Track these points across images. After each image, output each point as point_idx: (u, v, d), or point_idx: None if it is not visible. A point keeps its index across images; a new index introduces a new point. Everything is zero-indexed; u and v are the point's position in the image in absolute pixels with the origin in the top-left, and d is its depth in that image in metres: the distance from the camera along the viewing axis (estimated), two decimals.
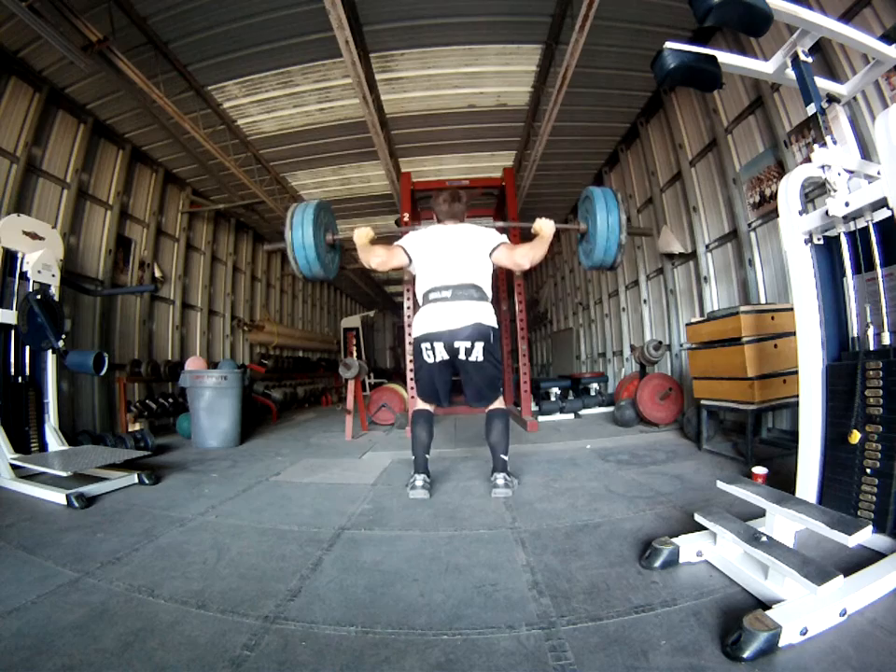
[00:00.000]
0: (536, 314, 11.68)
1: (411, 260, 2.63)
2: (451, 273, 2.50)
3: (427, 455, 2.60)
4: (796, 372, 1.78)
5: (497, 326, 2.56)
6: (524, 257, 2.53)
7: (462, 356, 2.46)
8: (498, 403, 2.64)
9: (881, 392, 1.50)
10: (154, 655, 1.15)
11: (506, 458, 2.54)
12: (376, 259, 2.58)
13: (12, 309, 3.15)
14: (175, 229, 6.69)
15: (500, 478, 2.47)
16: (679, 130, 4.95)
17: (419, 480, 2.48)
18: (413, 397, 4.91)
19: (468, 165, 6.65)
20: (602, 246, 2.62)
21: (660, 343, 4.61)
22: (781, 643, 1.07)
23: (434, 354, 2.47)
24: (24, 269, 3.25)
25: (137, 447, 3.69)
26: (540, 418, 5.16)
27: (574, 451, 3.51)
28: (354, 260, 10.86)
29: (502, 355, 2.62)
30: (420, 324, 2.53)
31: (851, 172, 1.65)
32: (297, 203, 2.83)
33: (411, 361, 4.95)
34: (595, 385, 6.13)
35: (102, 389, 5.00)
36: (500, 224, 2.53)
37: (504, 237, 2.63)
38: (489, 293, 2.56)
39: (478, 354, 2.45)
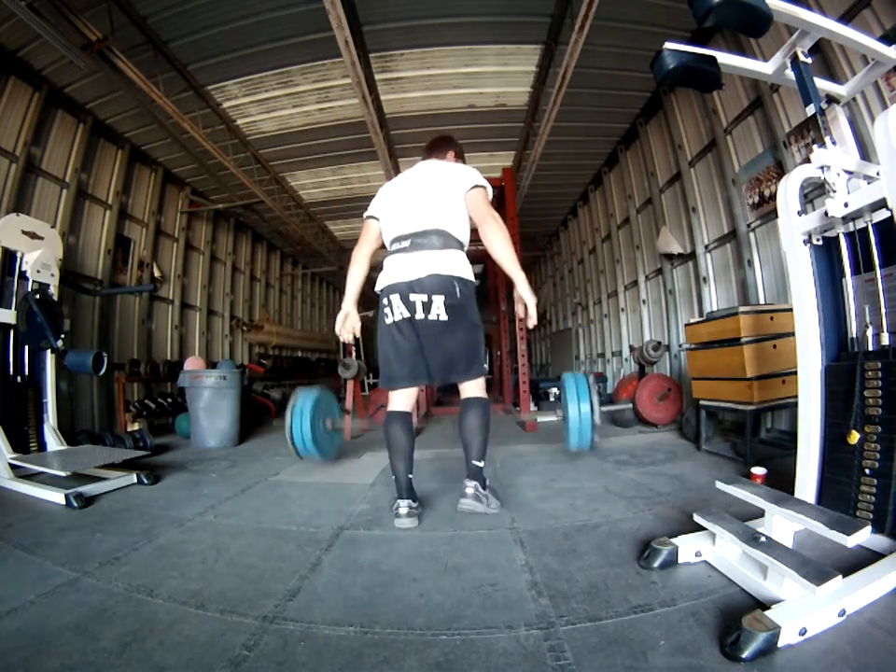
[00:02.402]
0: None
1: (378, 220, 2.26)
2: (411, 218, 2.10)
3: (411, 475, 2.11)
4: (795, 373, 1.78)
5: (467, 277, 2.07)
6: (492, 230, 2.01)
7: (420, 313, 2.01)
8: (475, 388, 2.12)
9: (880, 393, 1.50)
10: (153, 655, 1.15)
11: (479, 465, 2.07)
12: (360, 255, 2.28)
13: (11, 309, 3.15)
14: (175, 228, 6.69)
15: (469, 486, 2.06)
16: (679, 130, 4.96)
17: (403, 507, 2.02)
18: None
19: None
20: (576, 431, 2.67)
21: (659, 343, 4.61)
22: (780, 643, 1.07)
23: (392, 310, 2.06)
24: (23, 268, 3.24)
25: (136, 447, 3.68)
26: (539, 418, 5.16)
27: (573, 451, 3.50)
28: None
29: (477, 317, 2.14)
30: (382, 277, 2.15)
31: (850, 172, 1.65)
32: (299, 389, 3.00)
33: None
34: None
35: (101, 389, 5.00)
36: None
37: (485, 182, 2.13)
38: (461, 238, 2.11)
39: (438, 310, 1.99)
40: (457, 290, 2.01)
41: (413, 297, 2.02)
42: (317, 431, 2.92)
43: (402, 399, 2.18)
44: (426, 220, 2.07)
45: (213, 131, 5.17)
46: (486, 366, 2.25)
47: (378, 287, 2.17)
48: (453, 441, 4.18)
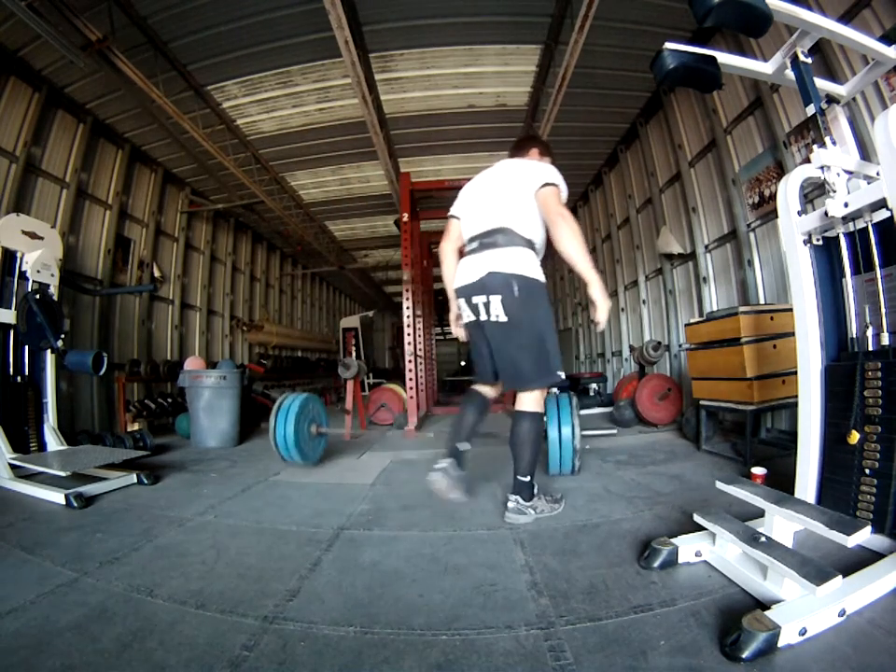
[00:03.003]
0: None
1: (459, 219, 2.25)
2: (480, 220, 2.09)
3: (462, 446, 2.09)
4: (795, 373, 1.78)
5: (530, 275, 1.95)
6: (560, 230, 1.89)
7: (483, 315, 2.00)
8: (528, 400, 2.02)
9: (880, 393, 1.50)
10: (153, 655, 1.15)
11: (524, 479, 2.02)
12: (446, 252, 2.26)
13: (11, 309, 3.15)
14: (175, 228, 6.69)
15: (511, 500, 2.04)
16: (679, 130, 4.96)
17: (442, 462, 2.00)
18: (411, 397, 4.96)
19: (467, 165, 6.64)
20: (556, 456, 2.58)
21: (659, 343, 4.62)
22: (780, 643, 1.07)
23: (464, 313, 2.11)
24: (23, 268, 3.24)
25: (136, 447, 3.68)
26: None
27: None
28: (353, 260, 10.88)
29: (544, 318, 2.00)
30: (455, 279, 2.16)
31: (850, 172, 1.65)
32: (287, 392, 3.12)
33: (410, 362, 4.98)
34: (593, 386, 6.14)
35: (101, 389, 5.00)
36: None
37: (557, 180, 2.01)
38: (529, 236, 2.01)
39: (497, 311, 1.94)
40: (515, 288, 1.92)
41: (475, 299, 2.01)
42: (301, 436, 2.97)
43: (485, 385, 2.22)
44: (492, 220, 2.04)
45: (213, 131, 5.17)
46: (561, 373, 2.00)
47: (452, 289, 2.18)
48: None
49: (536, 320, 1.97)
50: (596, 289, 1.90)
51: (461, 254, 2.19)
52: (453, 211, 2.28)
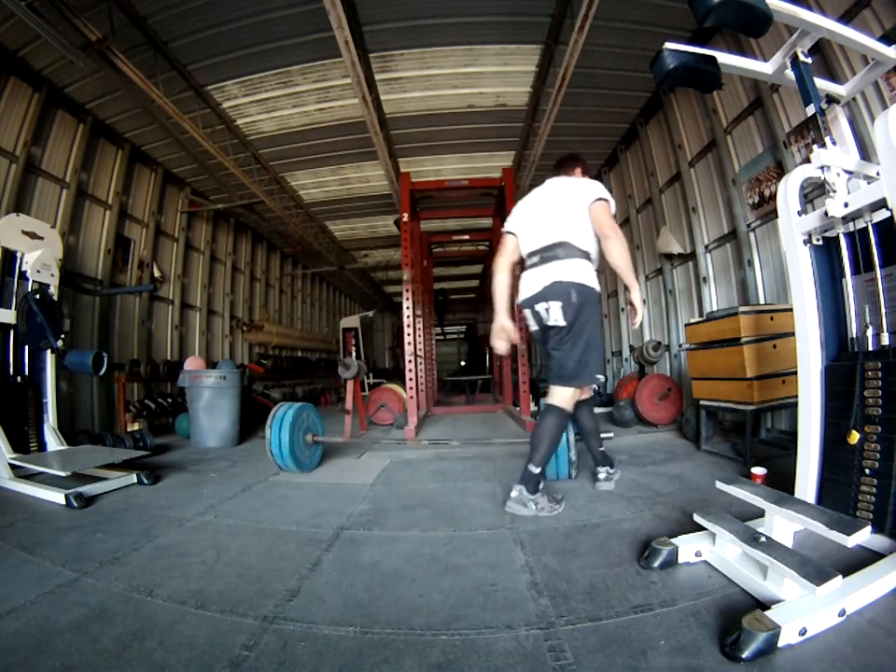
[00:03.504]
0: None
1: (516, 235, 2.41)
2: (539, 235, 2.26)
3: (601, 448, 2.54)
4: (795, 373, 1.78)
5: (587, 283, 2.13)
6: (612, 244, 2.11)
7: (545, 321, 2.18)
8: (557, 395, 2.17)
9: (880, 393, 1.50)
10: (153, 655, 1.15)
11: (534, 470, 2.11)
12: (501, 266, 2.40)
13: (11, 309, 3.15)
14: (175, 228, 6.69)
15: (514, 490, 2.14)
16: (679, 130, 4.96)
17: (602, 472, 2.48)
18: (411, 397, 4.96)
19: (467, 165, 6.65)
20: (553, 462, 2.57)
21: (659, 343, 4.62)
22: (780, 643, 1.07)
23: (530, 322, 2.30)
24: (23, 268, 3.25)
25: (136, 447, 3.68)
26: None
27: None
28: (353, 260, 10.88)
29: (595, 322, 2.19)
30: (519, 291, 2.34)
31: (850, 172, 1.65)
32: (283, 402, 3.14)
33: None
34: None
35: (101, 389, 4.99)
36: None
37: (607, 195, 2.21)
38: (585, 248, 2.19)
39: (556, 316, 2.11)
40: (573, 295, 2.10)
41: (537, 307, 2.20)
42: (296, 445, 2.99)
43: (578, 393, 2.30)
44: (551, 235, 2.22)
45: (213, 131, 5.17)
46: (600, 376, 2.19)
47: (517, 302, 2.36)
48: (452, 440, 4.17)
49: (587, 325, 2.14)
50: (637, 296, 2.15)
51: (520, 268, 2.38)
52: (509, 227, 2.44)
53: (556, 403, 2.16)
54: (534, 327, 2.29)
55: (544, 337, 2.26)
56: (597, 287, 2.18)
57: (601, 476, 2.46)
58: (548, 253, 2.20)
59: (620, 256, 2.10)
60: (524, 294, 2.29)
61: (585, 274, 2.15)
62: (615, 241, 2.11)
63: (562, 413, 2.16)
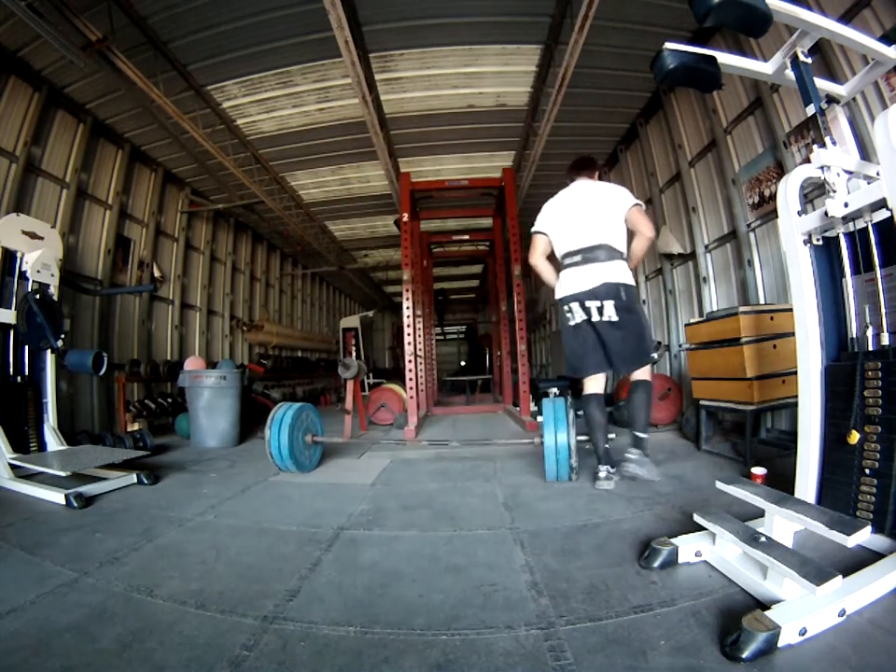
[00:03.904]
0: (535, 314, 11.68)
1: (548, 235, 2.72)
2: (581, 235, 2.56)
3: (607, 445, 2.57)
4: (795, 373, 1.78)
5: (630, 283, 2.51)
6: (643, 241, 2.54)
7: (595, 316, 2.50)
8: (643, 373, 2.59)
9: (880, 393, 1.50)
10: (153, 655, 1.15)
11: (644, 436, 2.52)
12: (541, 260, 2.74)
13: (11, 309, 3.15)
14: (175, 228, 6.68)
15: (634, 454, 2.45)
16: (679, 130, 4.96)
17: (602, 471, 2.47)
18: (411, 397, 4.96)
19: (467, 165, 6.65)
20: (553, 461, 2.55)
21: (659, 343, 4.61)
22: (780, 643, 1.07)
23: (573, 315, 2.57)
24: (23, 268, 3.25)
25: (136, 447, 3.69)
26: (539, 418, 5.16)
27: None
28: (353, 260, 10.88)
29: (642, 313, 2.64)
30: (560, 287, 2.64)
31: (850, 172, 1.65)
32: (283, 403, 3.16)
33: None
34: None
35: (101, 389, 4.99)
36: None
37: (639, 200, 2.60)
38: (621, 249, 2.55)
39: (610, 313, 2.47)
40: (623, 294, 2.46)
41: (588, 303, 2.50)
42: (295, 446, 2.99)
43: (594, 384, 2.66)
44: (593, 237, 2.53)
45: (213, 131, 5.17)
46: (654, 354, 2.62)
47: (558, 296, 2.65)
48: (453, 440, 4.17)
49: (638, 317, 2.55)
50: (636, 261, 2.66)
51: (553, 264, 2.69)
52: (540, 228, 2.74)
53: (645, 377, 2.59)
54: (575, 320, 2.57)
55: (590, 328, 2.55)
56: (634, 283, 2.54)
57: (601, 475, 2.48)
58: (590, 254, 2.51)
59: (643, 249, 2.58)
60: (568, 290, 2.56)
61: (627, 275, 2.51)
62: (646, 240, 2.52)
63: (650, 383, 2.59)
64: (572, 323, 2.59)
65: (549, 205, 2.77)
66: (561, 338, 2.77)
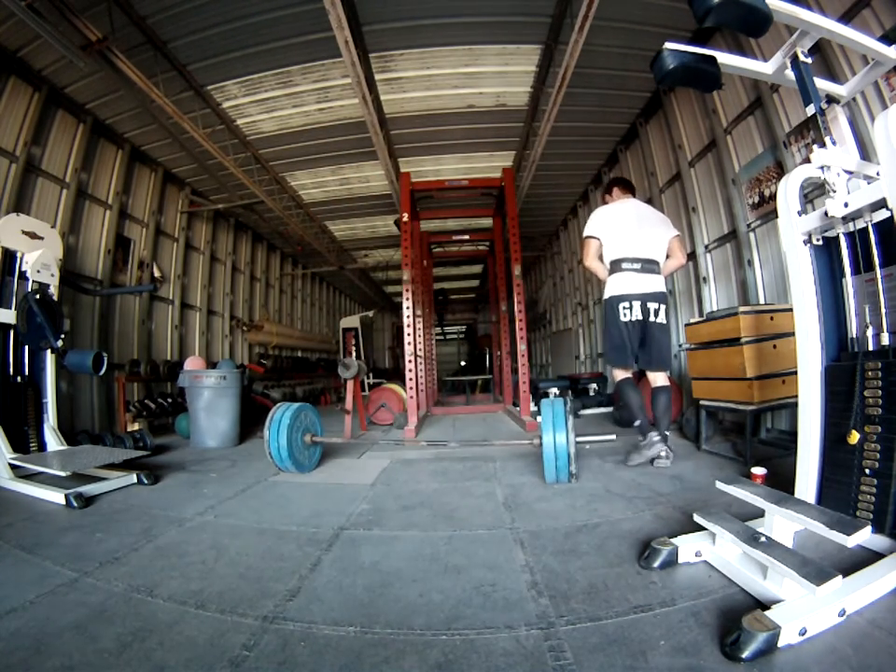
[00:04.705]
0: (535, 314, 11.69)
1: (600, 240, 3.08)
2: (639, 247, 2.96)
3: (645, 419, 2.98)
4: (795, 373, 1.78)
5: (667, 293, 3.04)
6: (677, 266, 3.12)
7: (652, 317, 2.90)
8: (665, 378, 3.03)
9: (880, 393, 1.50)
10: (153, 655, 1.15)
11: (668, 433, 2.95)
12: (596, 262, 3.10)
13: (11, 309, 3.15)
14: (175, 228, 6.69)
15: (664, 451, 2.83)
16: (679, 130, 4.96)
17: (662, 451, 2.84)
18: (411, 397, 4.96)
19: (467, 165, 6.65)
20: (552, 464, 2.52)
21: None
22: (780, 643, 1.07)
23: (631, 312, 2.91)
24: (23, 268, 3.24)
25: (136, 447, 3.69)
26: (539, 418, 5.16)
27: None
28: (353, 260, 10.88)
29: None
30: (616, 286, 2.97)
31: (850, 172, 1.64)
32: (282, 403, 3.18)
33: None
34: (593, 386, 6.14)
35: (101, 389, 5.00)
36: None
37: (678, 231, 3.16)
38: (661, 266, 3.05)
39: (663, 316, 2.93)
40: (667, 302, 3.00)
41: (650, 304, 2.91)
42: (294, 446, 2.99)
43: (625, 372, 3.08)
44: (650, 251, 2.98)
45: (213, 131, 5.17)
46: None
47: (612, 294, 2.99)
48: (452, 440, 4.17)
49: (670, 326, 3.06)
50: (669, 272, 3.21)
51: (609, 267, 3.05)
52: (594, 233, 3.09)
53: (668, 383, 3.04)
54: (630, 317, 2.91)
55: (640, 326, 2.92)
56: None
57: (662, 453, 2.83)
58: (648, 265, 2.95)
59: (674, 272, 3.27)
60: (627, 289, 2.92)
61: (665, 287, 3.02)
62: (682, 265, 3.16)
63: (670, 388, 3.03)
64: (626, 319, 2.91)
65: (602, 215, 3.12)
66: (605, 330, 3.13)
